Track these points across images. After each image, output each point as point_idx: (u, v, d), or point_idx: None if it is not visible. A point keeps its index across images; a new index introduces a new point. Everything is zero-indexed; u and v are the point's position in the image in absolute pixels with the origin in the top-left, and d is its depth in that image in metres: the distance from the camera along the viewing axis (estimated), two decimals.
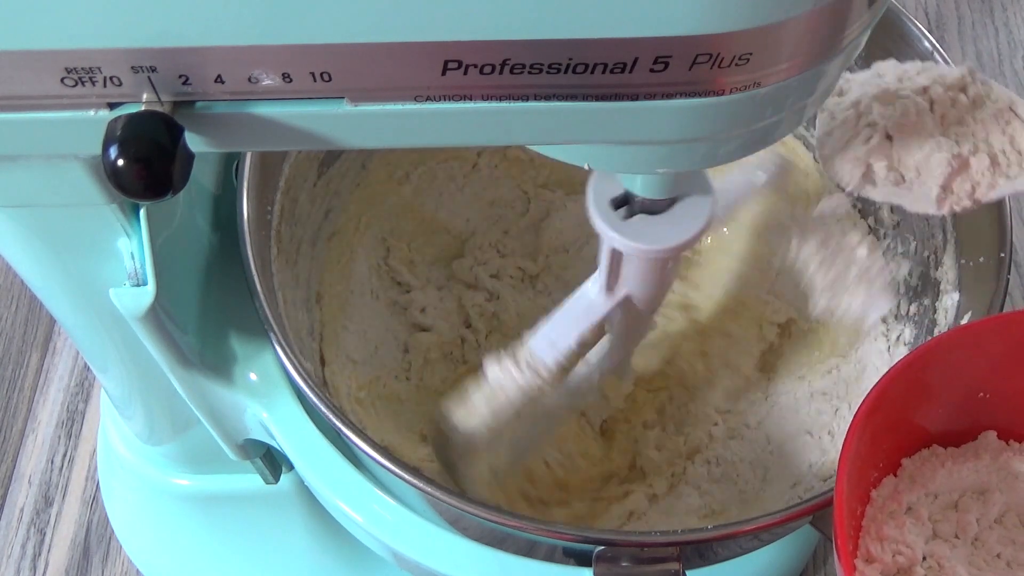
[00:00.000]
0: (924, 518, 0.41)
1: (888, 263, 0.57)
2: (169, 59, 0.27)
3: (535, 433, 0.53)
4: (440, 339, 0.62)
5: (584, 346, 0.48)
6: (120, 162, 0.27)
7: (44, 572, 0.69)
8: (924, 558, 0.40)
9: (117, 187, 0.27)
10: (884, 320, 0.56)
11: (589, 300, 0.46)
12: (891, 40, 0.52)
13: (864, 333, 0.57)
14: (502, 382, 0.47)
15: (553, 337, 0.47)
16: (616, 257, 0.43)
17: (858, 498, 0.41)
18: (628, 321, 0.48)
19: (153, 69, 0.27)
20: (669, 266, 0.44)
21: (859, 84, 0.41)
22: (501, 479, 0.53)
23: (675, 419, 0.60)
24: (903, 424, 0.42)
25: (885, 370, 0.54)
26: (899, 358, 0.53)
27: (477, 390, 0.48)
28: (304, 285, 0.56)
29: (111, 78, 0.27)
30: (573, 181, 0.66)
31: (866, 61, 0.53)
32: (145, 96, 0.28)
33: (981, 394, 0.43)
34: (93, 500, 0.72)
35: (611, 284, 0.45)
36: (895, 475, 0.43)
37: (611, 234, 0.40)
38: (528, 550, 0.46)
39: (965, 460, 0.43)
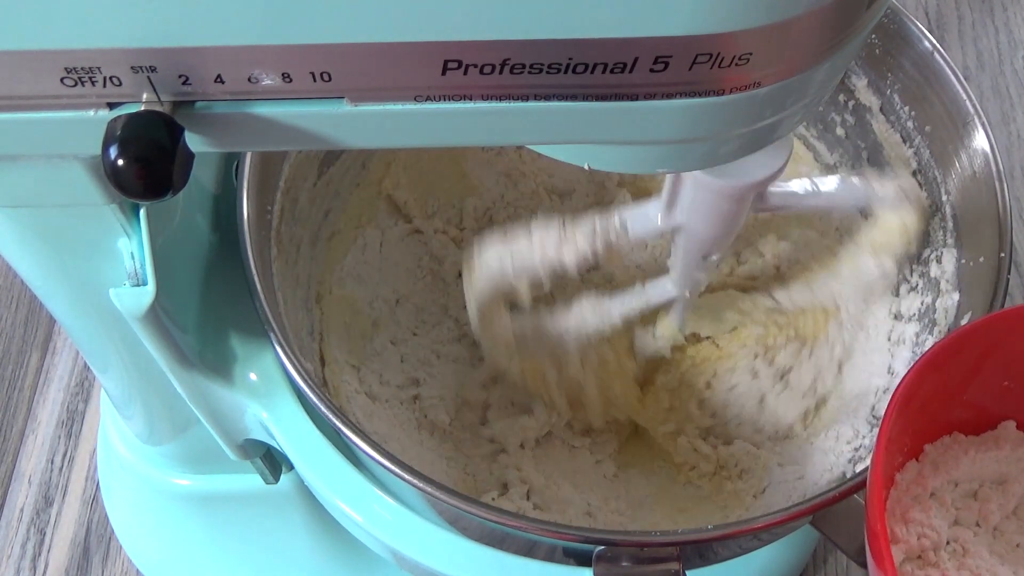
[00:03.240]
0: (948, 504, 0.41)
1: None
2: (169, 59, 0.27)
3: (565, 331, 0.54)
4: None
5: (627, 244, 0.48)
6: (120, 162, 0.27)
7: (44, 572, 0.69)
8: (948, 542, 0.40)
9: (117, 187, 0.27)
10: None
11: (647, 213, 0.46)
12: (891, 40, 0.52)
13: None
14: (538, 241, 0.47)
15: (609, 226, 0.47)
16: (677, 179, 0.42)
17: (882, 482, 0.40)
18: (684, 256, 0.48)
19: (153, 69, 0.27)
20: (726, 207, 0.42)
21: None
22: (523, 351, 0.54)
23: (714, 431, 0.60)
24: (928, 410, 0.42)
25: (886, 370, 0.54)
26: (900, 359, 0.53)
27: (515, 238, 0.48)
28: (304, 285, 0.56)
29: (111, 78, 0.27)
30: None
31: (867, 60, 0.54)
32: (145, 96, 0.28)
33: (1005, 383, 0.43)
34: (93, 500, 0.72)
35: (670, 205, 0.44)
36: (917, 460, 0.43)
37: None
38: (528, 550, 0.46)
39: (987, 449, 0.43)
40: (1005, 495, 0.42)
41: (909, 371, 0.38)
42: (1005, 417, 0.44)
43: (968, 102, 0.50)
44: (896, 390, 0.38)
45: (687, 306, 0.56)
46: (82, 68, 0.27)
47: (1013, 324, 0.41)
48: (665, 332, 0.58)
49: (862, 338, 0.58)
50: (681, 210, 0.44)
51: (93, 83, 0.28)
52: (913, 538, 0.39)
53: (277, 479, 0.56)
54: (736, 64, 0.26)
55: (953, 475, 0.42)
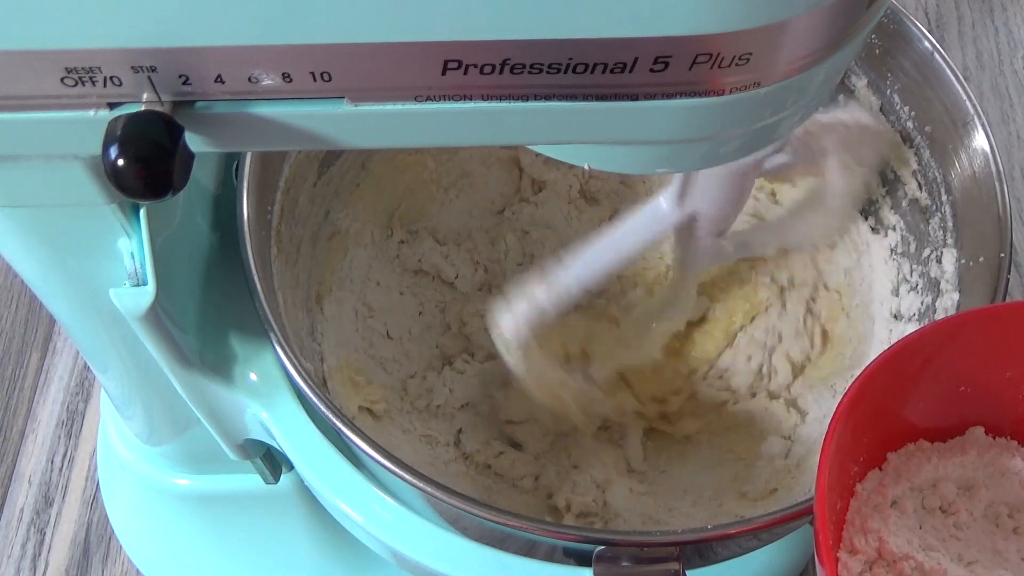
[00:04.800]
0: (909, 511, 0.41)
1: (888, 262, 0.57)
2: (169, 59, 0.27)
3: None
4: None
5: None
6: (120, 162, 0.27)
7: (44, 572, 0.69)
8: (908, 551, 0.40)
9: (117, 187, 0.27)
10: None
11: (655, 213, 0.47)
12: (891, 40, 0.52)
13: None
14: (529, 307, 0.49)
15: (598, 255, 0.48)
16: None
17: (838, 492, 0.40)
18: (699, 241, 0.49)
19: (153, 69, 0.27)
20: (737, 182, 0.44)
21: None
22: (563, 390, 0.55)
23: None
24: (887, 418, 0.42)
25: None
26: None
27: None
28: (304, 285, 0.56)
29: (111, 78, 0.27)
30: None
31: (867, 60, 0.54)
32: (145, 96, 0.28)
33: (962, 388, 0.43)
34: (93, 500, 0.72)
35: (681, 196, 0.45)
36: (880, 469, 0.43)
37: None
38: (528, 550, 0.46)
39: (952, 455, 0.43)
40: (972, 500, 0.42)
41: (853, 383, 0.38)
42: (972, 423, 0.44)
43: (968, 102, 0.50)
44: (840, 402, 0.38)
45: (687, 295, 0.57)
46: (82, 68, 0.27)
47: (950, 333, 0.42)
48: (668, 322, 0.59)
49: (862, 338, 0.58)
50: (694, 197, 0.46)
51: (93, 83, 0.28)
52: (871, 548, 0.39)
53: (277, 479, 0.56)
54: (736, 64, 0.26)
55: (915, 482, 0.42)
